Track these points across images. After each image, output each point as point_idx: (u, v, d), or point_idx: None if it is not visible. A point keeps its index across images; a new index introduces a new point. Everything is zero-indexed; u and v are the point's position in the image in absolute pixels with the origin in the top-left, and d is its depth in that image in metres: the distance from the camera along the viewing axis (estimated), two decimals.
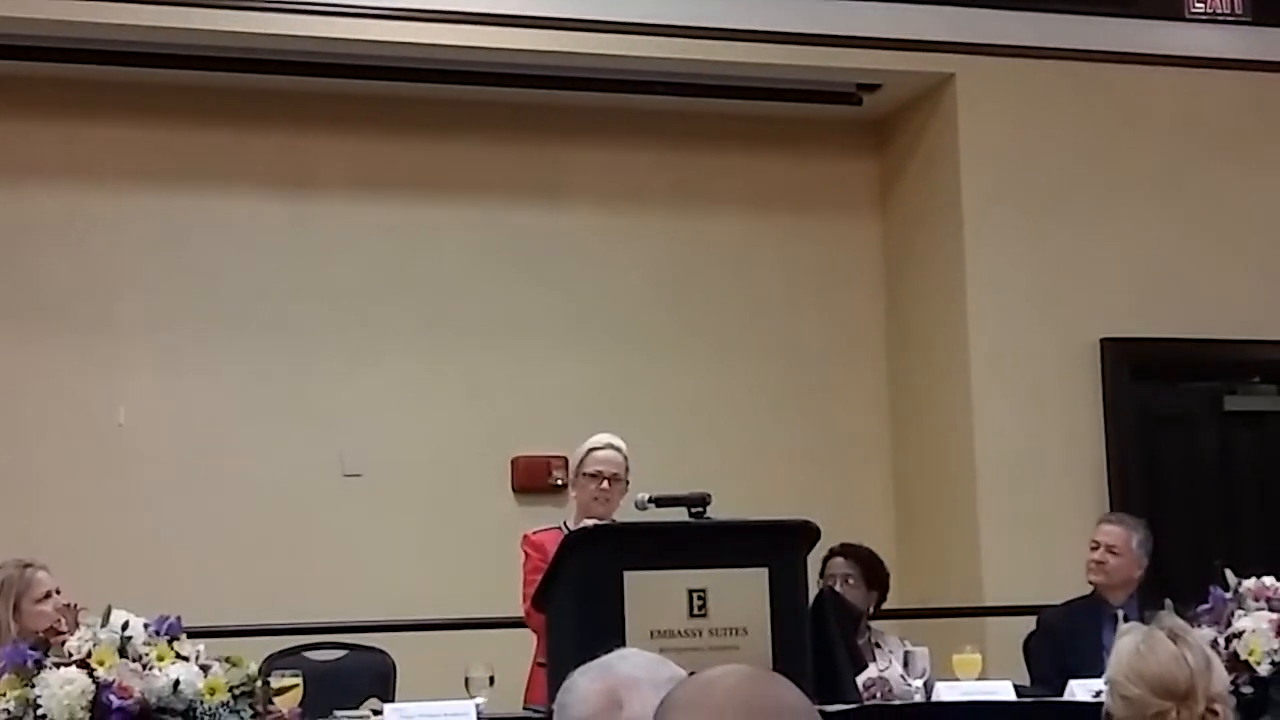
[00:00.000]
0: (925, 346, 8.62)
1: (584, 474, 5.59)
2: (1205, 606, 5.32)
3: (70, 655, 4.26)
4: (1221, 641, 5.09)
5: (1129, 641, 3.28)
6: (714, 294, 8.67)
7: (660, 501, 5.30)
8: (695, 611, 4.84)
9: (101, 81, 7.91)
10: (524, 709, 5.42)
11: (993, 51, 8.37)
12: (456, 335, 8.29)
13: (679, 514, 5.23)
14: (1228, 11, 8.64)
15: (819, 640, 5.16)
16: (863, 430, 8.78)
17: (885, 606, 6.53)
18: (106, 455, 7.80)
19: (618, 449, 5.64)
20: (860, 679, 5.49)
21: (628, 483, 5.60)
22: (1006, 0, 8.38)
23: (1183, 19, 8.62)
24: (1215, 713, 3.20)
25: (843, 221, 8.94)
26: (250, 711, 4.36)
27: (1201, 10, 8.62)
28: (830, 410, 8.73)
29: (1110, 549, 6.23)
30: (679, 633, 4.78)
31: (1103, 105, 8.50)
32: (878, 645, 6.12)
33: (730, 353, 8.62)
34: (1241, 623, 5.21)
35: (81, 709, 4.16)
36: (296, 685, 4.79)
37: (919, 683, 5.41)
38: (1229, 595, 5.34)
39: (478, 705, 4.98)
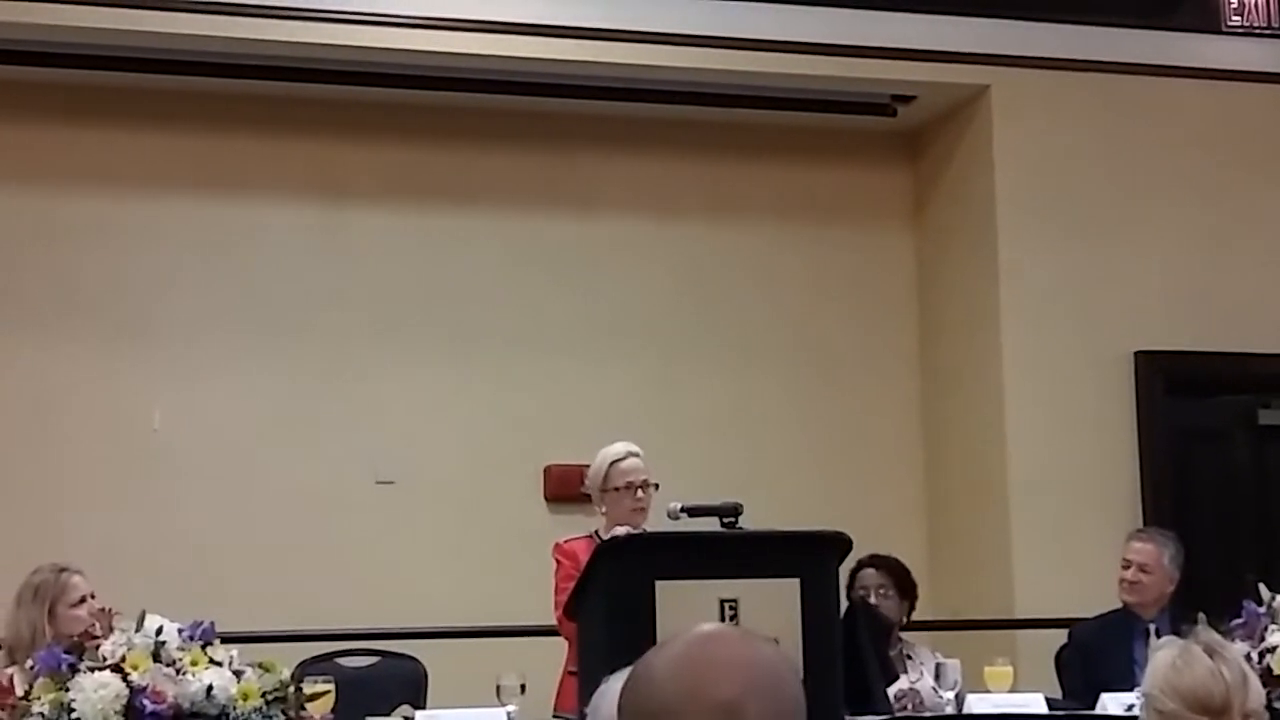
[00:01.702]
0: (958, 358, 8.60)
1: (615, 489, 5.57)
2: (1239, 621, 5.29)
3: (104, 659, 4.28)
4: (1255, 656, 5.07)
5: (1165, 655, 3.26)
6: (746, 304, 8.67)
7: (692, 511, 5.30)
8: (726, 621, 4.83)
9: (138, 89, 7.96)
10: (554, 716, 5.42)
11: (1028, 64, 8.35)
12: (489, 343, 8.31)
13: (711, 523, 5.22)
14: (1264, 25, 8.61)
15: (850, 651, 5.16)
16: (895, 441, 8.77)
17: (917, 618, 6.53)
18: (141, 460, 7.83)
19: (638, 454, 5.64)
20: (891, 691, 5.49)
21: (656, 485, 5.60)
22: (1042, 13, 8.37)
23: (1219, 32, 8.59)
24: None
25: (876, 233, 8.94)
26: (282, 717, 4.38)
27: (1238, 24, 8.60)
28: (862, 421, 8.72)
29: (1142, 568, 6.21)
30: None
31: (1138, 118, 8.48)
32: (909, 657, 6.11)
33: (762, 363, 8.62)
34: (1275, 637, 5.18)
35: (115, 713, 4.18)
36: (328, 691, 4.81)
37: (950, 695, 5.40)
38: (1263, 610, 5.32)
39: (509, 713, 4.99)
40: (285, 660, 4.68)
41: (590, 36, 7.83)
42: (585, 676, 4.86)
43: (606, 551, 5.05)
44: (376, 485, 8.09)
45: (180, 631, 4.37)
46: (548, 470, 8.23)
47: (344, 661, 6.25)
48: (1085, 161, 8.41)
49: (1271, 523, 8.69)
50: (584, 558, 5.22)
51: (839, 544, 5.09)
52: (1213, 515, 8.51)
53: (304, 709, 4.54)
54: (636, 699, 1.83)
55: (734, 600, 4.82)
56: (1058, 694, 6.15)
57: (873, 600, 6.11)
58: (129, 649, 4.28)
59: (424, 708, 5.83)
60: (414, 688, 6.25)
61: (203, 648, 4.35)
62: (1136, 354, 8.34)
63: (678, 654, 1.83)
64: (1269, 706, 3.56)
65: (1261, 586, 5.40)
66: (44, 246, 7.88)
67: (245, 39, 7.49)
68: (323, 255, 8.21)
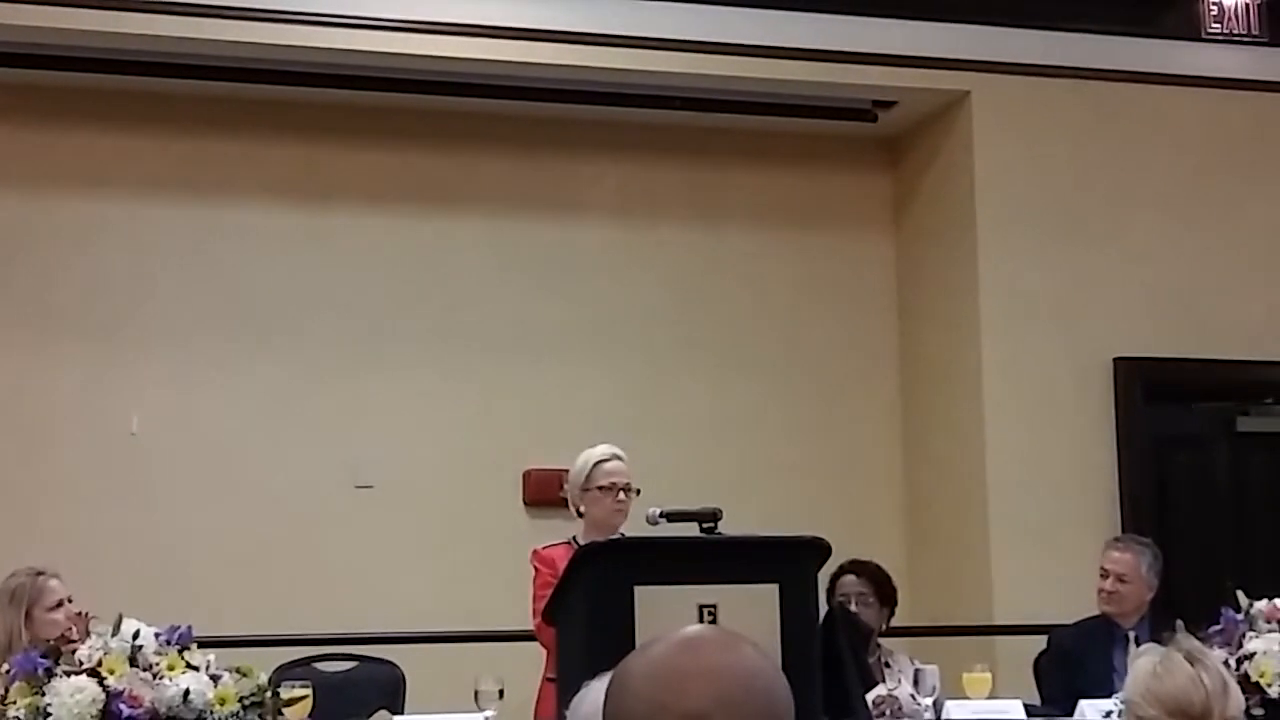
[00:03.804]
0: (938, 363, 8.61)
1: (597, 488, 5.56)
2: (1217, 628, 5.30)
3: (81, 664, 4.27)
4: (1233, 663, 5.08)
5: (1146, 662, 3.27)
6: (728, 308, 8.67)
7: (671, 516, 5.28)
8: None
9: (120, 91, 7.94)
10: None
11: (1008, 70, 8.36)
12: (470, 348, 8.30)
13: (690, 529, 5.21)
14: (1245, 32, 8.64)
15: (829, 657, 5.15)
16: (874, 447, 8.78)
17: (895, 624, 6.53)
18: (119, 464, 7.81)
19: (621, 457, 5.62)
20: (870, 697, 5.48)
21: (638, 490, 5.60)
22: (1023, 19, 8.38)
23: (1199, 39, 8.61)
24: None
25: (857, 238, 8.95)
26: None
27: (1218, 31, 8.62)
28: (842, 426, 8.72)
29: (1120, 578, 6.21)
30: None
31: (1118, 124, 8.50)
32: (887, 664, 6.11)
33: (743, 367, 8.62)
34: (1253, 644, 5.20)
35: (91, 717, 4.16)
36: (306, 696, 4.80)
37: (929, 701, 5.40)
38: (1240, 617, 5.33)
39: (487, 718, 4.98)
40: (262, 665, 4.67)
41: (574, 41, 7.82)
42: (564, 682, 4.85)
43: (585, 557, 5.04)
44: (356, 489, 8.08)
45: (157, 635, 4.35)
46: (527, 475, 8.22)
47: (322, 666, 6.24)
48: (1065, 167, 8.42)
49: (1250, 530, 8.72)
50: (562, 564, 5.20)
51: (818, 550, 5.09)
52: (1191, 522, 8.53)
53: (281, 714, 4.53)
54: (613, 707, 1.83)
55: (713, 606, 4.81)
56: (1036, 700, 6.16)
57: (852, 607, 6.11)
58: (105, 653, 4.27)
59: (402, 713, 5.83)
60: (392, 692, 6.23)
61: (180, 652, 4.34)
62: (1116, 360, 8.35)
63: (652, 662, 1.83)
64: (1247, 713, 3.57)
65: (1240, 593, 5.41)
66: (25, 249, 7.85)
67: (229, 41, 7.47)
68: (305, 259, 8.20)
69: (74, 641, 4.47)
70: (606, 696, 1.86)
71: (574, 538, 5.59)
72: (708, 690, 1.78)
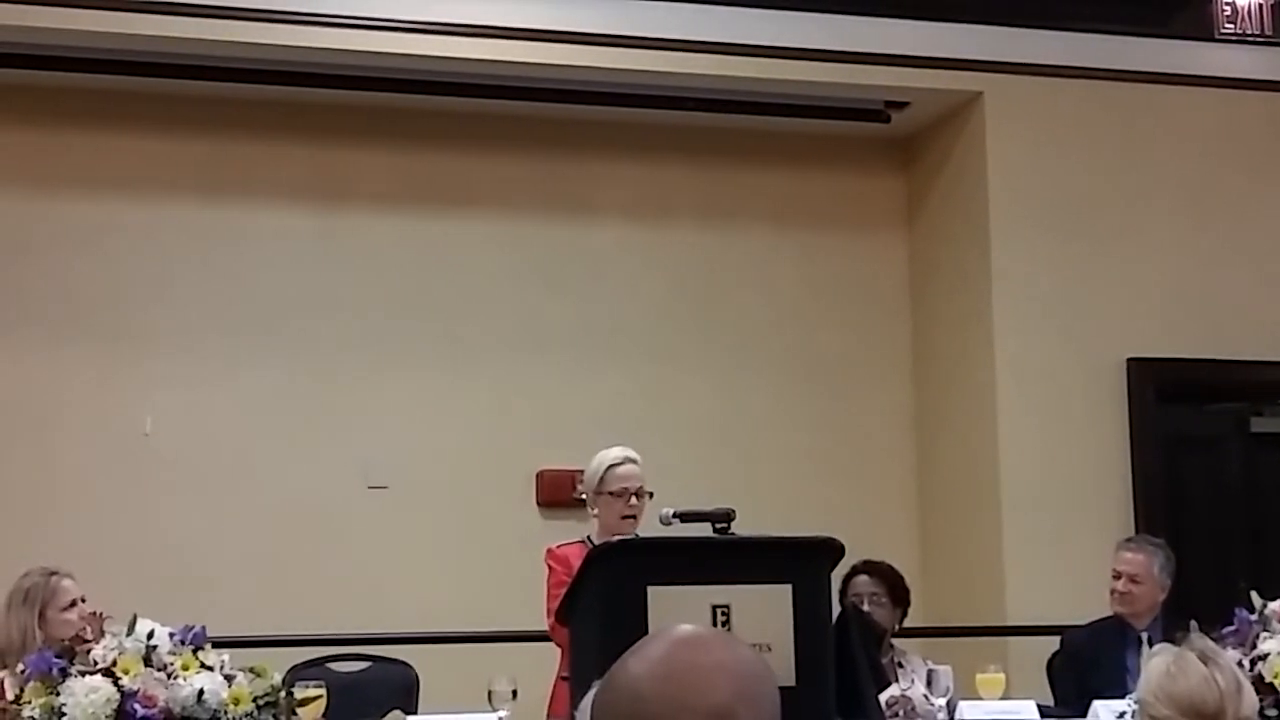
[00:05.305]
0: (951, 364, 8.61)
1: (608, 493, 5.55)
2: (1230, 628, 5.29)
3: (95, 664, 4.27)
4: (1246, 664, 5.07)
5: (1160, 662, 3.27)
6: (740, 309, 8.68)
7: (685, 517, 5.28)
8: (719, 627, 4.82)
9: (133, 93, 7.95)
10: None
11: (1021, 70, 8.36)
12: (483, 348, 8.31)
13: (703, 529, 5.21)
14: (1258, 32, 8.62)
15: (842, 657, 5.15)
16: (887, 447, 8.78)
17: (908, 624, 6.52)
18: (133, 464, 7.83)
19: (635, 461, 5.57)
20: (883, 697, 5.47)
21: (651, 494, 5.58)
22: (1036, 19, 8.37)
23: (1212, 39, 8.60)
24: None
25: (869, 238, 8.95)
26: None
27: (1231, 31, 8.60)
28: (855, 427, 8.72)
29: (1133, 578, 6.20)
30: None
31: (1131, 125, 8.49)
32: (900, 664, 6.11)
33: (756, 368, 8.63)
34: (1266, 645, 5.18)
35: (106, 717, 4.17)
36: (320, 696, 4.80)
37: (942, 701, 5.40)
38: (1254, 617, 5.32)
39: (500, 718, 4.98)
40: (276, 665, 4.67)
41: (586, 42, 7.83)
42: (577, 682, 4.85)
43: (599, 557, 5.04)
44: (369, 490, 8.09)
45: (171, 635, 4.36)
46: (540, 475, 8.23)
47: (335, 666, 6.24)
48: (1078, 168, 8.41)
49: (1263, 530, 8.70)
50: (576, 563, 5.19)
51: (831, 550, 5.08)
52: (1204, 522, 8.52)
53: (295, 714, 4.53)
54: (618, 709, 1.81)
55: (726, 606, 4.81)
56: (1050, 701, 6.15)
57: (865, 607, 6.10)
58: (120, 653, 4.27)
59: (416, 713, 5.83)
60: (406, 693, 6.23)
61: (194, 652, 4.35)
62: (1129, 360, 8.34)
63: (658, 663, 1.81)
64: (1261, 713, 3.56)
65: (1253, 594, 5.40)
66: (38, 250, 7.87)
67: (241, 43, 7.49)
68: (317, 260, 8.21)
69: (88, 641, 4.47)
70: (602, 702, 1.83)
71: (588, 537, 5.58)
72: (728, 685, 1.78)
